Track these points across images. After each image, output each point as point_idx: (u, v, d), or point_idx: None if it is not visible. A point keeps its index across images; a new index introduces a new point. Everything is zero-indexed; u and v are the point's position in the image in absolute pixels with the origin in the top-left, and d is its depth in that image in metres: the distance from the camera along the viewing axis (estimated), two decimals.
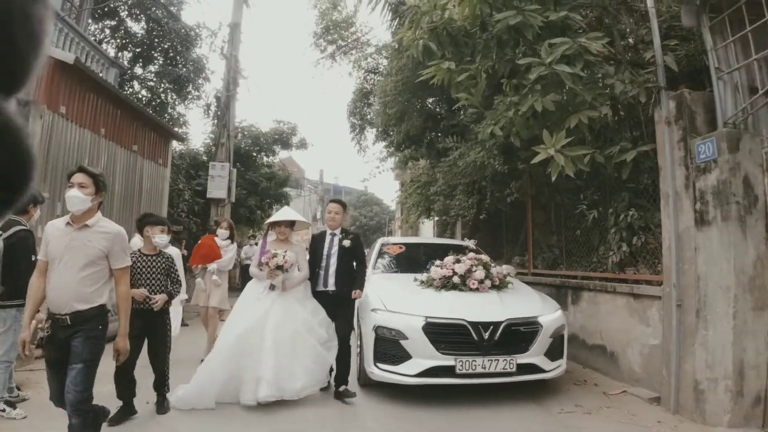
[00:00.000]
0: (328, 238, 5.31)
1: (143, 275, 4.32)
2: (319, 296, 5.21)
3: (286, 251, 5.05)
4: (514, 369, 4.76)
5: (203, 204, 12.70)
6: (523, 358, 4.81)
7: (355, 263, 5.31)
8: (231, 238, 7.01)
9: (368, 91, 13.17)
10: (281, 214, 5.61)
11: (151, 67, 13.96)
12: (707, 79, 4.91)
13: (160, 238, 4.56)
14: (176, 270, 4.61)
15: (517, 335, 4.87)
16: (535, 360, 4.88)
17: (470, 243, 6.81)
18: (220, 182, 10.86)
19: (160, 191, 10.82)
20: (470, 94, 5.33)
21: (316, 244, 5.40)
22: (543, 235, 8.14)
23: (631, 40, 6.12)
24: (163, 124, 11.26)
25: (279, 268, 4.98)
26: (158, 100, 13.91)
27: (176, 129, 13.20)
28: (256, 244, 15.04)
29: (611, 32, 5.71)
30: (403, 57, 8.27)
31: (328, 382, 5.17)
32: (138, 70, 13.67)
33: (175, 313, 6.08)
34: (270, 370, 4.66)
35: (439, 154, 9.87)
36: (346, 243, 5.24)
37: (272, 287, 5.06)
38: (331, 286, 5.17)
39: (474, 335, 4.76)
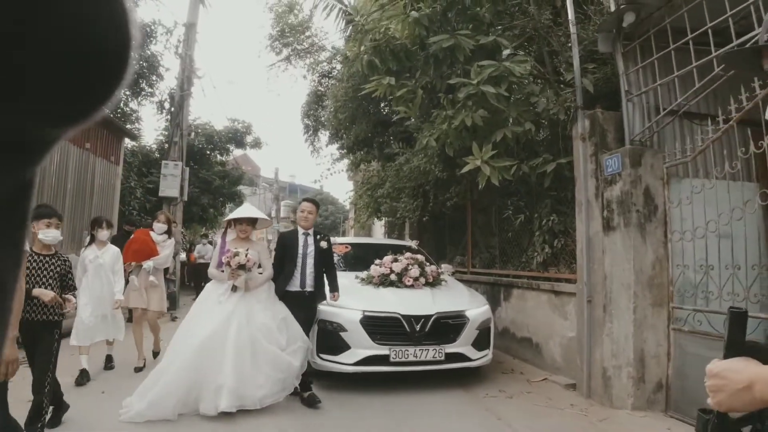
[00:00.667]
0: (301, 238, 5.12)
1: (32, 278, 3.64)
2: (292, 297, 5.02)
3: (248, 249, 4.77)
4: (442, 358, 5.23)
5: (155, 202, 12.70)
6: (451, 348, 5.28)
7: (326, 265, 5.23)
8: (168, 233, 6.46)
9: (322, 94, 13.36)
10: (242, 210, 5.27)
11: None
12: None
13: (45, 234, 3.77)
14: (72, 276, 4.01)
15: (445, 327, 5.34)
16: (463, 350, 5.36)
17: (412, 243, 7.28)
18: (172, 181, 10.92)
19: (112, 189, 10.87)
20: (409, 107, 5.78)
21: (285, 243, 5.21)
22: (484, 237, 8.57)
23: (560, 59, 6.67)
24: (116, 122, 11.28)
25: (241, 267, 4.67)
26: None
27: (129, 126, 13.17)
28: (210, 242, 15.07)
29: (542, 53, 6.26)
30: (353, 66, 8.62)
31: (295, 387, 4.84)
32: None
33: (118, 317, 5.63)
34: (231, 377, 4.35)
35: (388, 158, 10.24)
36: (324, 244, 5.14)
37: (234, 288, 4.74)
38: (309, 287, 5.05)
39: (406, 327, 5.21)
